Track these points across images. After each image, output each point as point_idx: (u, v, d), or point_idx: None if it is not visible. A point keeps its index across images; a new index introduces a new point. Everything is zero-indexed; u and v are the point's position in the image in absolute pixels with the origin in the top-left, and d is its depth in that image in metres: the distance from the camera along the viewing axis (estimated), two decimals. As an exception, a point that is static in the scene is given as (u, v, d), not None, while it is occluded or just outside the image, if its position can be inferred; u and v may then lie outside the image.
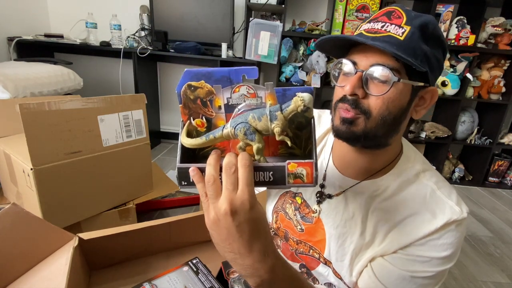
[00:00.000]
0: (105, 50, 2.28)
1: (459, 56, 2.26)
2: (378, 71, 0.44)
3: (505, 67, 2.31)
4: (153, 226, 0.67)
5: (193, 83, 0.36)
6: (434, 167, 0.56)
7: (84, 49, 2.39)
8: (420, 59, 0.44)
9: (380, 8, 2.14)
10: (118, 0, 2.43)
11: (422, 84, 0.46)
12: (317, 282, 0.62)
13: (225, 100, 0.38)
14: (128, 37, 2.29)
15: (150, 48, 2.24)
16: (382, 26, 0.46)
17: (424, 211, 0.49)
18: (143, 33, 2.36)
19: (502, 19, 2.16)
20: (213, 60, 2.26)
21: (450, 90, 2.28)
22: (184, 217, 0.71)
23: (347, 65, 0.48)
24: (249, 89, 0.37)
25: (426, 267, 0.48)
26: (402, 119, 0.48)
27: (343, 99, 0.48)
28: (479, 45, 2.23)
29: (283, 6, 2.13)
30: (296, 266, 0.64)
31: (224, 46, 2.21)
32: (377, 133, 0.47)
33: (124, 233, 0.64)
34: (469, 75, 2.23)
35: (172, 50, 2.26)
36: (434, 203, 0.49)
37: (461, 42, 2.20)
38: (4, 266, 0.54)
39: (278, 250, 0.67)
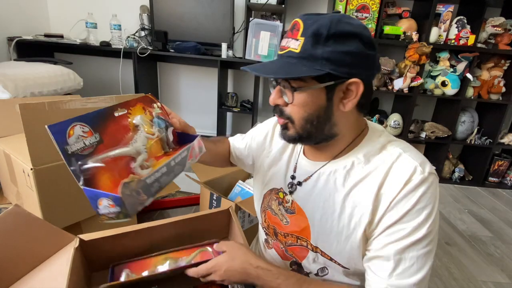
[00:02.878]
0: (105, 50, 2.28)
1: (459, 56, 2.26)
2: (283, 84, 0.52)
3: (505, 67, 2.31)
4: (153, 227, 0.67)
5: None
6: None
7: (84, 49, 2.39)
8: (320, 62, 0.48)
9: (380, 8, 2.14)
10: (118, 0, 2.43)
11: (332, 83, 0.49)
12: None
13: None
14: (128, 37, 2.29)
15: (150, 48, 2.24)
16: (287, 42, 0.51)
17: (389, 175, 0.51)
18: (143, 33, 2.36)
19: (502, 19, 2.16)
20: (213, 60, 2.27)
21: (450, 90, 2.29)
22: (184, 217, 0.71)
23: (271, 79, 0.57)
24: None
25: (403, 227, 0.49)
26: (328, 115, 0.52)
27: (273, 108, 0.57)
28: (479, 45, 2.23)
29: (283, 6, 2.13)
30: (287, 264, 0.67)
31: (224, 46, 2.21)
32: (309, 132, 0.53)
33: (125, 234, 0.64)
34: (469, 75, 2.23)
35: (172, 50, 2.26)
36: (399, 165, 0.51)
37: (461, 42, 2.20)
38: (6, 267, 0.54)
39: (272, 249, 0.70)
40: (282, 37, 2.16)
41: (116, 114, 0.45)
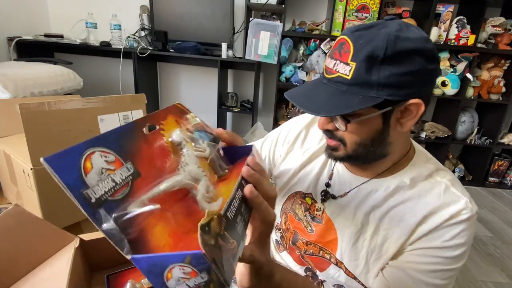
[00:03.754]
0: (105, 50, 2.28)
1: (459, 56, 2.26)
2: (333, 121, 0.49)
3: (505, 67, 2.31)
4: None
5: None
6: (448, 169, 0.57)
7: (84, 49, 2.39)
8: (376, 88, 0.43)
9: (380, 8, 2.14)
10: (118, 0, 2.43)
11: (389, 108, 0.45)
12: (322, 287, 0.62)
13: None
14: (128, 37, 2.29)
15: (150, 48, 2.24)
16: (334, 65, 0.47)
17: (438, 207, 0.49)
18: (143, 33, 2.36)
19: (502, 19, 2.16)
20: (213, 60, 2.26)
21: (450, 90, 2.29)
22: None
23: None
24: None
25: (439, 254, 0.48)
26: (383, 137, 0.49)
27: (323, 130, 0.53)
28: (479, 45, 2.23)
29: (283, 6, 2.13)
30: (302, 269, 0.64)
31: (224, 46, 2.21)
32: (360, 154, 0.51)
33: (125, 234, 0.64)
34: (469, 75, 2.23)
35: (172, 50, 2.26)
36: (449, 199, 0.50)
37: (461, 42, 2.20)
38: (7, 267, 0.54)
39: (284, 252, 0.67)
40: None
41: (145, 132, 0.30)
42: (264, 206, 0.34)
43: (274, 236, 0.71)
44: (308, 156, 0.64)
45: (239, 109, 2.41)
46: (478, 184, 2.52)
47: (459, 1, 2.25)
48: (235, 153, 0.40)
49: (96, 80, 2.54)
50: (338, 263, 0.57)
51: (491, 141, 2.40)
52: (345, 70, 0.45)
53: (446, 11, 2.20)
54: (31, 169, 0.86)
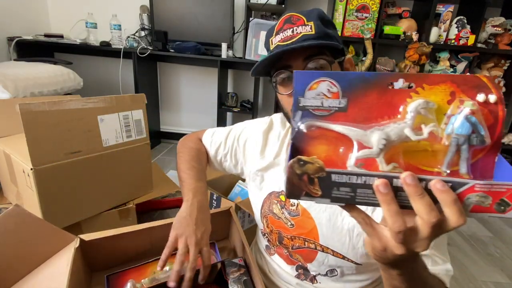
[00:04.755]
0: (105, 50, 2.28)
1: (459, 56, 2.26)
2: (315, 63, 0.51)
3: (505, 67, 2.31)
4: (154, 227, 0.67)
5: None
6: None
7: (84, 49, 2.39)
8: (333, 40, 0.52)
9: (380, 8, 2.14)
10: (118, 0, 2.43)
11: (343, 58, 0.55)
12: (315, 281, 0.63)
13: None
14: (128, 37, 2.29)
15: (150, 48, 2.25)
16: (293, 31, 0.51)
17: None
18: (143, 33, 2.36)
19: (502, 19, 2.16)
20: (213, 60, 2.27)
21: (450, 90, 2.29)
22: (184, 217, 0.71)
23: (284, 73, 0.53)
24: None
25: None
26: None
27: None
28: (479, 45, 2.23)
29: (283, 6, 2.13)
30: (293, 268, 0.65)
31: (224, 46, 2.21)
32: None
33: (125, 234, 0.63)
34: (469, 75, 2.23)
35: (172, 50, 2.26)
36: None
37: (461, 42, 2.20)
38: (7, 267, 0.54)
39: (276, 255, 0.68)
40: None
41: (391, 87, 0.30)
42: (423, 205, 0.26)
43: (264, 241, 0.72)
44: (269, 159, 0.66)
45: (239, 109, 2.41)
46: (478, 184, 2.52)
47: (459, 1, 2.25)
48: (504, 170, 0.30)
49: (96, 80, 2.54)
50: (324, 249, 0.58)
51: (491, 141, 2.41)
52: (306, 29, 0.50)
53: (446, 11, 2.20)
54: (31, 169, 0.86)
